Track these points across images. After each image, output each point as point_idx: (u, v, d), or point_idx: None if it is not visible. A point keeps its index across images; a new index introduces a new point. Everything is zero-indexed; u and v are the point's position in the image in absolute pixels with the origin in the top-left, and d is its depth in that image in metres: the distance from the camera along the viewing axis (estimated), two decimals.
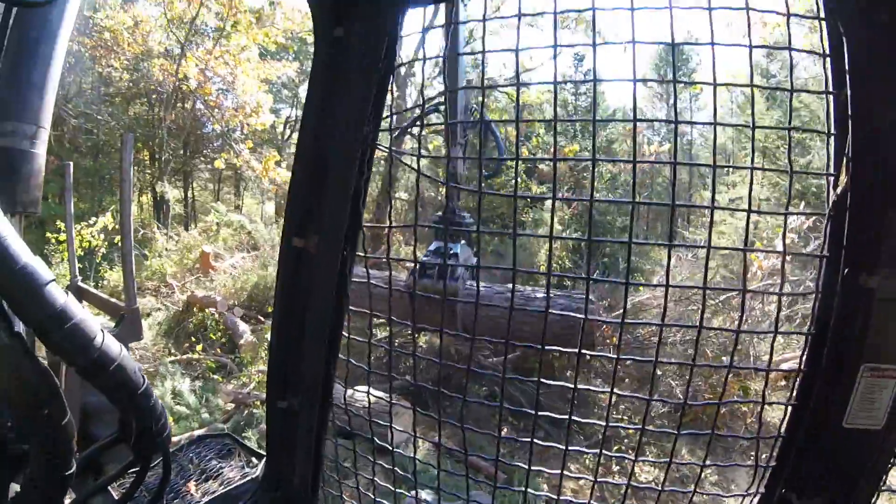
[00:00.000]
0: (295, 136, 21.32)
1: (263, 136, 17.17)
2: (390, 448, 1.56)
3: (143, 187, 16.39)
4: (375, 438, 1.58)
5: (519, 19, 1.09)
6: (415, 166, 1.23)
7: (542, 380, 1.21)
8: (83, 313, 1.25)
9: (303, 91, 20.57)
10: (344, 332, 1.38)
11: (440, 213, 3.34)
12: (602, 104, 18.27)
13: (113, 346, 1.31)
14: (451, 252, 3.00)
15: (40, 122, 2.27)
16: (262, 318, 10.68)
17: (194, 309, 10.66)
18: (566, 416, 1.22)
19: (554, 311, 1.22)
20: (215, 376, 9.01)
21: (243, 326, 10.09)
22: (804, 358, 1.15)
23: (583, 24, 14.97)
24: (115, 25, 14.33)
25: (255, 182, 17.54)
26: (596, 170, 15.02)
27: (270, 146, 17.69)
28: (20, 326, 1.19)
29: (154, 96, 15.49)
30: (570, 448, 1.21)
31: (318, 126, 1.15)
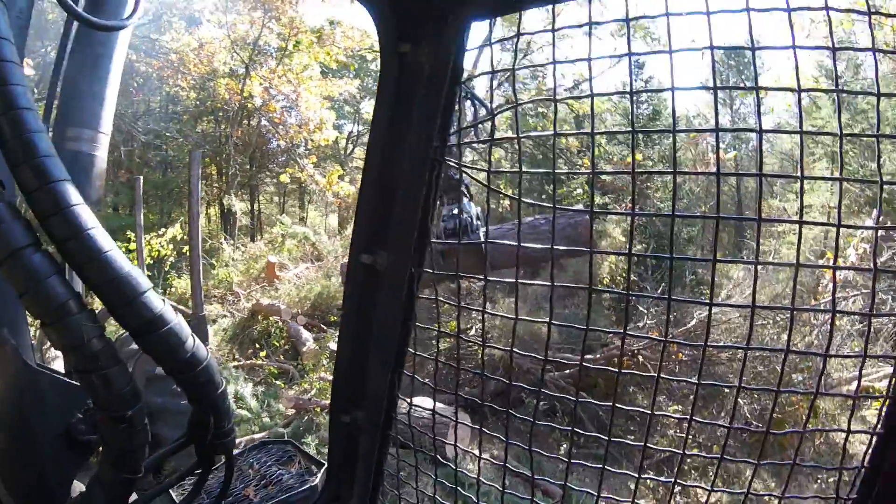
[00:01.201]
0: (357, 151, 21.85)
1: (327, 152, 17.65)
2: (453, 466, 1.54)
3: (210, 200, 17.09)
4: (433, 453, 1.56)
5: (590, 29, 1.06)
6: (481, 179, 1.22)
7: (618, 405, 1.14)
8: (177, 318, 1.35)
9: (364, 107, 21.05)
10: (410, 348, 1.37)
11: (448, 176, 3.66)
12: (664, 111, 17.78)
13: (201, 349, 1.41)
14: (466, 212, 3.25)
15: (100, 128, 2.50)
16: (324, 327, 10.91)
17: (259, 317, 11.00)
18: (639, 444, 1.15)
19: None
20: (277, 382, 9.25)
21: (306, 334, 10.33)
22: (893, 383, 1.04)
23: (641, 32, 14.64)
24: (181, 47, 15.16)
25: (319, 195, 18.04)
26: (660, 180, 14.64)
27: (334, 161, 18.15)
28: None
29: (220, 114, 16.16)
30: (642, 476, 1.14)
31: (387, 143, 1.15)
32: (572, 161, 14.77)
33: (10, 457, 1.91)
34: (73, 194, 1.24)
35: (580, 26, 1.06)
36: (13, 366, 1.81)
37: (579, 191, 14.09)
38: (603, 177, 14.86)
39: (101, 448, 1.51)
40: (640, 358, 8.54)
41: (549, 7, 1.14)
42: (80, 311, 1.22)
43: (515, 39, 1.15)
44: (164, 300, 1.37)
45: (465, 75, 1.20)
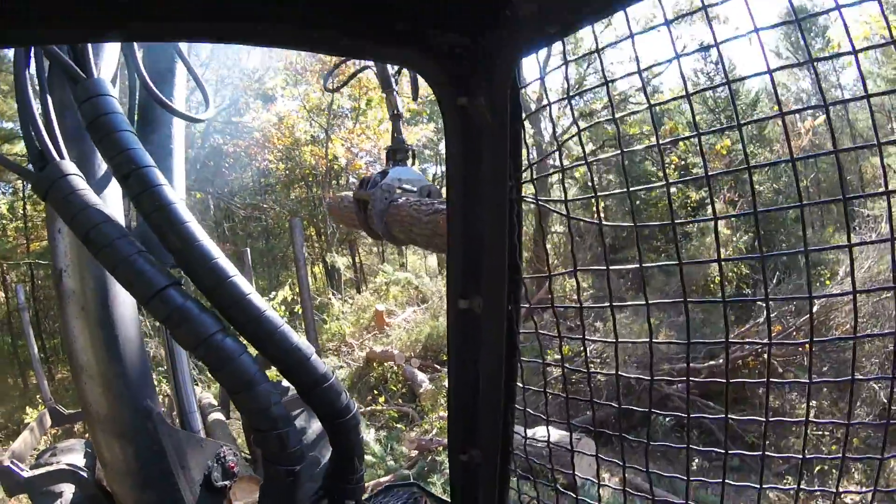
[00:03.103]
0: (444, 191, 22.34)
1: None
2: (573, 495, 1.52)
3: (314, 260, 18.02)
4: (557, 482, 1.57)
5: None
6: (562, 210, 1.24)
7: (731, 416, 1.09)
8: (334, 376, 1.68)
9: (443, 148, 21.58)
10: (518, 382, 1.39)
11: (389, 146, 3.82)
12: (742, 88, 16.74)
13: (351, 401, 1.73)
14: (383, 170, 3.38)
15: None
16: (438, 367, 11.07)
17: (374, 364, 11.33)
18: (758, 453, 1.09)
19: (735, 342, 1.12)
20: (398, 425, 9.45)
21: (421, 376, 10.51)
22: None
23: (698, 14, 14.03)
24: (263, 124, 16.31)
25: None
26: (753, 160, 13.74)
27: None
28: None
29: (310, 178, 17.16)
30: (764, 486, 1.08)
31: (464, 192, 1.20)
32: (656, 159, 14.24)
33: None
34: (245, 285, 1.61)
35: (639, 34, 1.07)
36: (160, 430, 2.12)
37: (672, 189, 13.54)
38: (695, 170, 14.21)
39: (259, 499, 1.74)
40: (765, 356, 7.97)
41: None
42: (265, 381, 1.53)
43: (564, 67, 1.17)
44: (324, 364, 1.69)
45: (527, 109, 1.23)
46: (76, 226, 1.50)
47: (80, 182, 1.56)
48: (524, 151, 1.24)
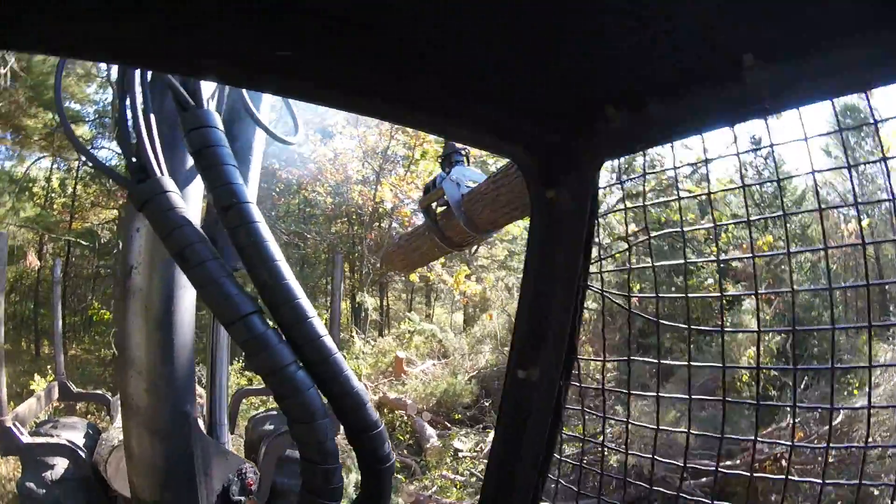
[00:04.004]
0: (482, 250, 22.50)
1: (453, 251, 18.32)
2: None
3: (343, 295, 18.21)
4: None
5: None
6: (622, 303, 1.36)
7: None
8: (383, 426, 1.77)
9: None
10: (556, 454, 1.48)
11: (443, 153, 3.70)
12: (789, 186, 16.61)
13: (392, 453, 1.79)
14: (446, 171, 3.25)
15: None
16: (449, 425, 10.93)
17: (384, 409, 11.25)
18: None
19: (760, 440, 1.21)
20: (399, 476, 9.29)
21: (430, 431, 10.40)
22: None
23: None
24: (318, 157, 16.86)
25: (446, 294, 18.65)
26: (795, 261, 13.51)
27: (460, 260, 18.86)
28: None
29: (354, 217, 17.55)
30: None
31: (539, 272, 1.34)
32: (699, 250, 14.17)
33: None
34: (321, 327, 1.68)
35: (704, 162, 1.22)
36: (194, 436, 2.23)
37: (710, 280, 13.47)
38: (734, 264, 14.09)
39: None
40: (783, 462, 7.73)
41: None
42: (327, 416, 1.62)
43: (643, 181, 1.32)
44: (374, 409, 1.78)
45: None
46: (171, 241, 1.60)
47: (178, 199, 1.67)
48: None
